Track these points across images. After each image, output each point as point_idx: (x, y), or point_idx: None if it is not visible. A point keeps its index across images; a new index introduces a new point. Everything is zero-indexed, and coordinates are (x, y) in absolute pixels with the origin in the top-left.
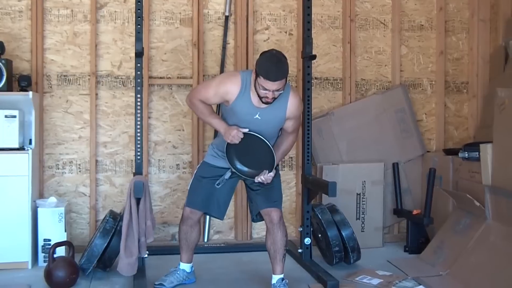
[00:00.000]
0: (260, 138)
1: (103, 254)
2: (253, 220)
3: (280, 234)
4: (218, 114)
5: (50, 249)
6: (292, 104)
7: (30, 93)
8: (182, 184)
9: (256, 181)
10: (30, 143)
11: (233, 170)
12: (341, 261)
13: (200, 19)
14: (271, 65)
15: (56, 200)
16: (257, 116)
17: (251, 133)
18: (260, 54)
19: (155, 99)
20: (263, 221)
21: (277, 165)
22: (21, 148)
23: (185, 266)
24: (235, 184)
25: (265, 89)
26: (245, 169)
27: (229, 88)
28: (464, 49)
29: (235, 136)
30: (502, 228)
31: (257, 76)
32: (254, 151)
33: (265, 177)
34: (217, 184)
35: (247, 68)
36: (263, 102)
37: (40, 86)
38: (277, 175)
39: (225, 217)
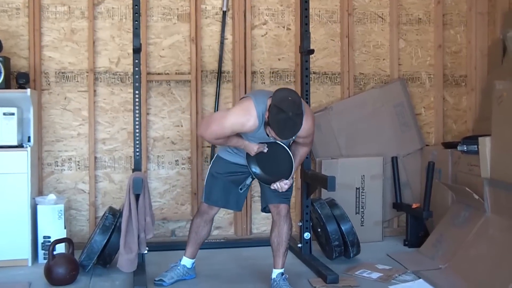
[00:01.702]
0: (282, 146)
1: (103, 250)
2: (262, 211)
3: (286, 227)
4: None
5: (50, 246)
6: (304, 128)
7: (28, 90)
8: (181, 180)
9: (272, 187)
10: (29, 140)
11: (253, 176)
12: (340, 255)
13: (198, 14)
14: (285, 128)
15: (55, 197)
16: (271, 139)
17: (274, 141)
18: (276, 104)
19: (153, 95)
20: (264, 216)
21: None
22: (19, 146)
23: (186, 262)
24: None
25: (276, 138)
26: (264, 175)
27: (246, 127)
28: (462, 42)
29: (257, 150)
30: (501, 221)
31: (268, 124)
32: (274, 158)
33: (281, 184)
34: (240, 189)
35: (245, 67)
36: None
37: (38, 83)
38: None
39: (225, 212)
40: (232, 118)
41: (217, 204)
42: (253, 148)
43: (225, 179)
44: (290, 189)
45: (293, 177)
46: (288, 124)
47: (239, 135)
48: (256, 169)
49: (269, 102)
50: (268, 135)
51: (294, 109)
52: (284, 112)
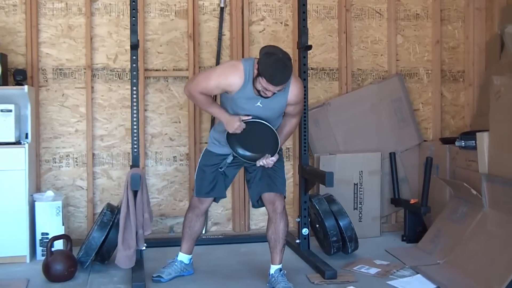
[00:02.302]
0: (263, 123)
1: (101, 247)
2: (254, 206)
3: (283, 224)
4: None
5: (48, 243)
6: (293, 92)
7: (26, 87)
8: (179, 176)
9: (257, 164)
10: (27, 137)
11: (235, 155)
12: (339, 251)
13: (196, 10)
14: (277, 70)
15: (53, 194)
16: (258, 103)
17: (254, 120)
18: (265, 52)
19: (151, 92)
20: (262, 212)
21: (281, 149)
22: (17, 142)
23: (183, 257)
24: (239, 167)
25: (266, 89)
26: (247, 153)
27: (231, 80)
28: (460, 38)
29: (237, 128)
30: (499, 216)
31: (259, 75)
32: (257, 136)
33: (267, 161)
34: (220, 168)
35: (243, 57)
36: (261, 96)
37: (35, 80)
38: (280, 160)
39: (223, 208)
40: (219, 69)
41: (209, 195)
42: (234, 124)
43: (213, 170)
44: (281, 175)
45: (278, 152)
46: (279, 66)
47: (223, 104)
48: (239, 149)
49: (255, 61)
50: (256, 94)
51: (283, 53)
52: (274, 54)
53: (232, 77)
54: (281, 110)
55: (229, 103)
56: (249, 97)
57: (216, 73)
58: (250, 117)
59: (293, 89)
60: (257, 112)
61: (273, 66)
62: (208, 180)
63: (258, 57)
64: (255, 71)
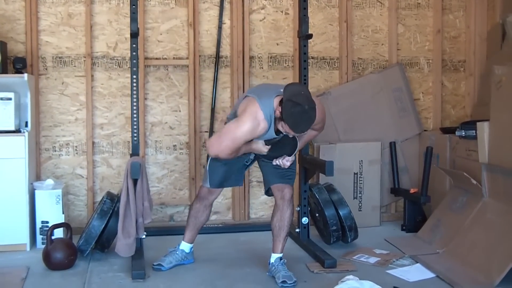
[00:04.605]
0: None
1: (101, 235)
2: (266, 193)
3: (289, 212)
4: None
5: (48, 231)
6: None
7: (25, 75)
8: (179, 165)
9: (274, 163)
10: (26, 125)
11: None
12: (338, 240)
13: None
14: (301, 121)
15: (53, 182)
16: (280, 135)
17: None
18: (290, 99)
19: (151, 80)
20: (262, 201)
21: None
22: (17, 131)
23: (184, 246)
24: (255, 159)
25: (288, 132)
26: (267, 152)
27: (257, 134)
28: (461, 27)
29: (261, 151)
30: (499, 206)
31: (282, 119)
32: (277, 143)
33: (283, 161)
34: (246, 162)
35: (243, 52)
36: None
37: (35, 68)
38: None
39: (223, 197)
40: (243, 128)
41: (221, 186)
42: (262, 149)
43: (229, 161)
44: (293, 168)
45: (295, 155)
46: (303, 118)
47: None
48: None
49: (275, 100)
50: (277, 133)
51: (309, 102)
52: (300, 105)
53: (257, 131)
54: None
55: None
56: (270, 135)
57: (241, 132)
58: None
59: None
60: None
61: (298, 117)
62: (221, 170)
63: (277, 95)
64: (278, 113)
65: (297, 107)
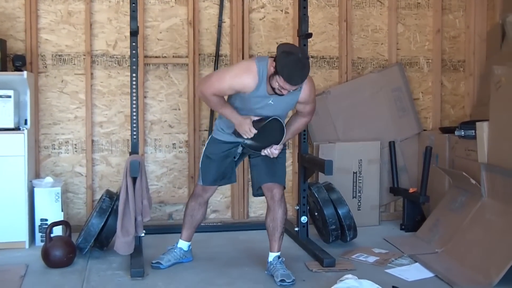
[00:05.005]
0: (273, 118)
1: (100, 233)
2: (254, 195)
3: (281, 211)
4: None
5: (47, 229)
6: (305, 92)
7: (25, 73)
8: (178, 163)
9: (262, 153)
10: (26, 123)
11: (242, 145)
12: (337, 239)
13: None
14: (296, 71)
15: (52, 180)
16: (270, 101)
17: (264, 118)
18: (283, 51)
19: (150, 79)
20: (261, 200)
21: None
22: (16, 128)
23: (183, 244)
24: (246, 155)
25: (283, 88)
26: (254, 143)
27: (245, 82)
28: (461, 27)
29: (248, 133)
30: (498, 206)
31: (276, 73)
32: (264, 129)
33: (271, 150)
34: (233, 157)
35: (242, 51)
36: (276, 93)
37: (35, 66)
38: (283, 153)
39: (222, 196)
40: (232, 71)
41: (215, 183)
42: (245, 127)
43: (219, 158)
44: (282, 162)
45: (283, 144)
46: (298, 66)
47: (231, 99)
48: (246, 140)
49: (270, 60)
50: (269, 92)
51: (302, 52)
52: (293, 54)
53: (246, 79)
54: (290, 107)
55: (239, 100)
56: (261, 95)
57: (230, 74)
58: (259, 118)
59: (306, 88)
60: (267, 109)
61: (292, 65)
62: (214, 168)
63: (269, 54)
64: (272, 69)
65: (290, 56)
